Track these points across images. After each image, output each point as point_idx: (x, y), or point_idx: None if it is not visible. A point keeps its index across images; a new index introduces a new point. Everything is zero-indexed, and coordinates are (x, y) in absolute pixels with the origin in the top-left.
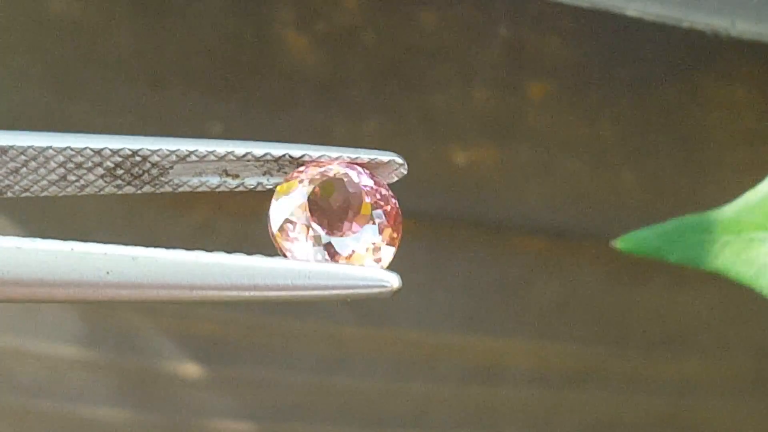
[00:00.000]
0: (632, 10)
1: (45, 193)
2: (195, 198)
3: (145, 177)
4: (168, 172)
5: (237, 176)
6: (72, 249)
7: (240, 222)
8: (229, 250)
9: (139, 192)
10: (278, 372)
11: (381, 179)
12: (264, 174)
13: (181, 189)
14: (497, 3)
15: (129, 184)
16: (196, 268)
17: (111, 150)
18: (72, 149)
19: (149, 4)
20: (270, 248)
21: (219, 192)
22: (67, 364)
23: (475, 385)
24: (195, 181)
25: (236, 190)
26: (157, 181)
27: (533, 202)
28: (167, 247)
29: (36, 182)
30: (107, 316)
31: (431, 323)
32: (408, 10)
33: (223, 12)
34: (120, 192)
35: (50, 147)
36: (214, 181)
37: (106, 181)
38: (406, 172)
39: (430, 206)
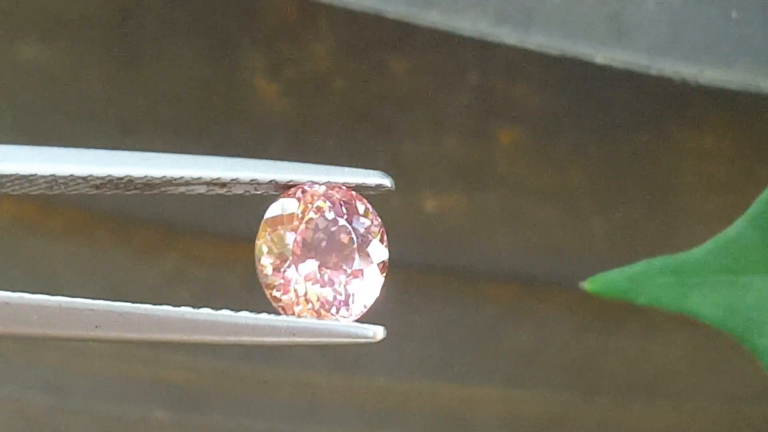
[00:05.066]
0: (601, 58)
1: (35, 192)
2: (165, 245)
3: (132, 189)
4: (155, 186)
5: (224, 185)
6: (60, 305)
7: (211, 269)
8: (200, 299)
9: (126, 193)
10: (249, 419)
11: (366, 201)
12: (251, 183)
13: (169, 192)
14: (467, 50)
15: (115, 192)
16: (183, 325)
17: (96, 176)
18: (56, 176)
19: (119, 50)
20: (239, 298)
21: (190, 237)
22: (37, 411)
23: None
24: (182, 189)
25: (225, 194)
26: (144, 191)
27: (503, 250)
28: (154, 303)
29: (24, 189)
30: (77, 363)
31: (402, 371)
32: (378, 57)
33: (193, 59)
34: (108, 193)
35: (35, 174)
36: (201, 189)
37: (93, 192)
38: (393, 189)
39: (399, 253)
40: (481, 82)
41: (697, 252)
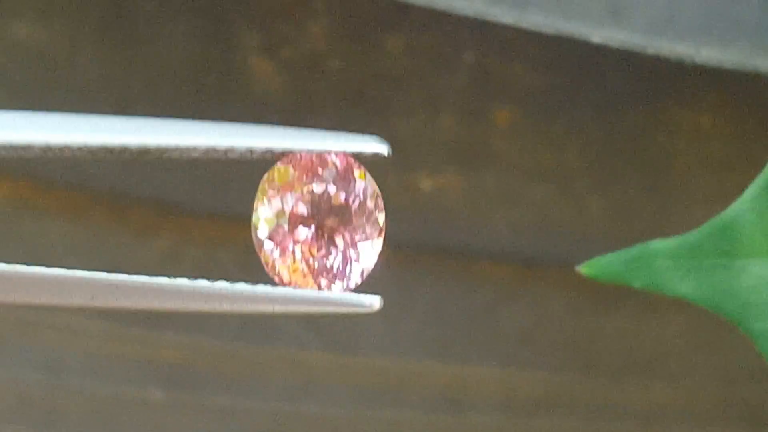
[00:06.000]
0: (597, 37)
1: (29, 156)
2: (161, 224)
3: (127, 156)
4: (150, 153)
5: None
6: (56, 276)
7: (207, 249)
8: (196, 278)
9: (122, 158)
10: (244, 399)
11: (362, 166)
12: (247, 150)
13: (165, 156)
14: (463, 30)
15: (109, 156)
16: (180, 296)
17: (91, 145)
18: (50, 145)
19: (114, 29)
20: (236, 277)
21: (186, 216)
22: (33, 390)
23: (442, 413)
24: (177, 153)
25: (221, 159)
26: (140, 157)
27: (499, 230)
28: (150, 275)
29: (18, 154)
30: (73, 343)
31: (398, 350)
32: (373, 36)
33: (188, 37)
34: (103, 157)
35: (29, 144)
36: (197, 155)
37: (88, 157)
38: (389, 155)
39: (395, 233)
40: (477, 62)
41: (693, 235)
